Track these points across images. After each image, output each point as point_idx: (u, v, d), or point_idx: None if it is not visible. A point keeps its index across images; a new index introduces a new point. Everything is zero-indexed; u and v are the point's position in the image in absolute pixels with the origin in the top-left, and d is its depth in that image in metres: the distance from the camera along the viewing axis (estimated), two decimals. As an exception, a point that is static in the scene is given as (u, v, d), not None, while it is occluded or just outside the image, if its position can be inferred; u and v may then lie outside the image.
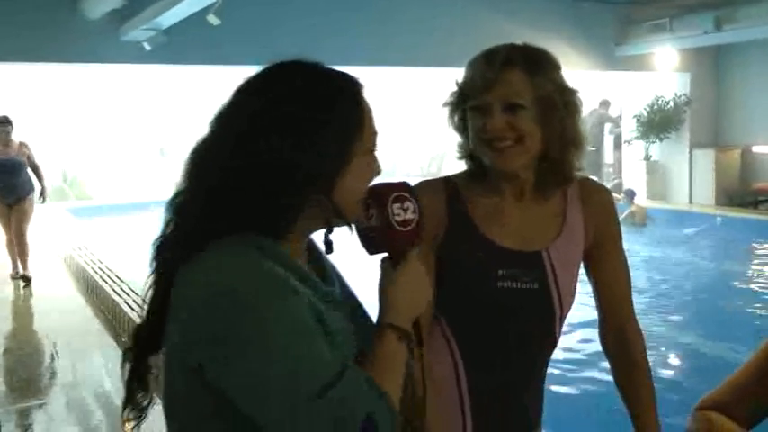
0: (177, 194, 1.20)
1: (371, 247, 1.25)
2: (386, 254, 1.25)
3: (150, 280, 1.22)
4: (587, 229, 1.70)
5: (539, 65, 1.58)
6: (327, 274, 1.29)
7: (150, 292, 1.21)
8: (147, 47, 7.83)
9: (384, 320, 1.21)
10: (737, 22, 9.85)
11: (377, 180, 1.24)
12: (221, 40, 6.86)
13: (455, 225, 1.63)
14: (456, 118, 1.65)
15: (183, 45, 7.75)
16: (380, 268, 1.25)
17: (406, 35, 9.11)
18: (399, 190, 1.23)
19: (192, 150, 1.20)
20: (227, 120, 1.19)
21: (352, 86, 1.22)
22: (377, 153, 1.25)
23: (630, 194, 11.38)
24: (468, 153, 1.66)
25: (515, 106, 1.54)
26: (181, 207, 1.19)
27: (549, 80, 1.58)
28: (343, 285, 1.33)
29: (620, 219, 1.91)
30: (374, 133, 1.23)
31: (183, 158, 1.21)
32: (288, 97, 1.16)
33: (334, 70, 1.23)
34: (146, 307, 1.22)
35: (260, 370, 1.05)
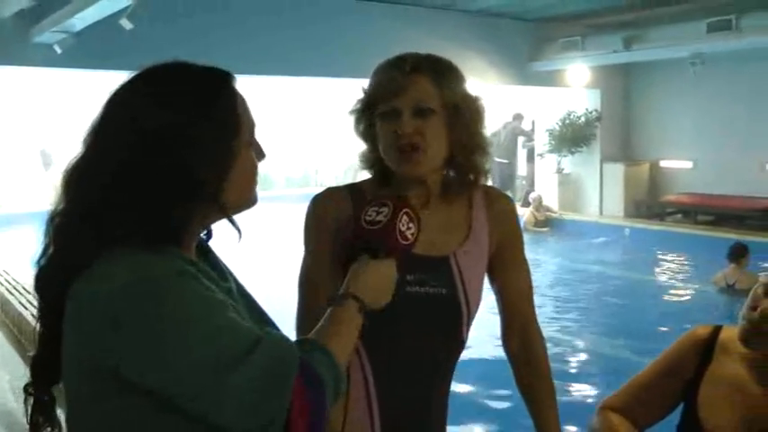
0: (56, 215, 1.17)
1: (361, 237, 1.38)
2: (366, 251, 1.37)
3: (39, 306, 1.19)
4: (492, 235, 1.74)
5: (444, 73, 1.63)
6: (221, 272, 1.29)
7: (41, 319, 1.18)
8: (58, 50, 7.61)
9: (349, 290, 1.28)
10: (646, 42, 10.25)
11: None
12: (134, 45, 6.69)
13: None
14: (362, 126, 1.67)
15: (96, 49, 7.55)
16: (359, 258, 1.36)
17: (321, 46, 9.10)
18: (413, 210, 1.42)
19: (70, 170, 1.17)
20: (106, 135, 1.16)
21: (225, 81, 1.22)
22: (259, 140, 1.26)
23: None
24: (373, 161, 1.68)
25: (426, 110, 1.58)
26: (62, 232, 1.16)
27: (455, 88, 1.63)
28: (236, 282, 1.33)
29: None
30: (252, 124, 1.24)
31: (61, 175, 1.18)
32: (166, 105, 1.15)
33: (204, 67, 1.22)
34: (38, 334, 1.19)
35: (181, 351, 1.05)
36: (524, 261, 1.82)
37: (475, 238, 1.71)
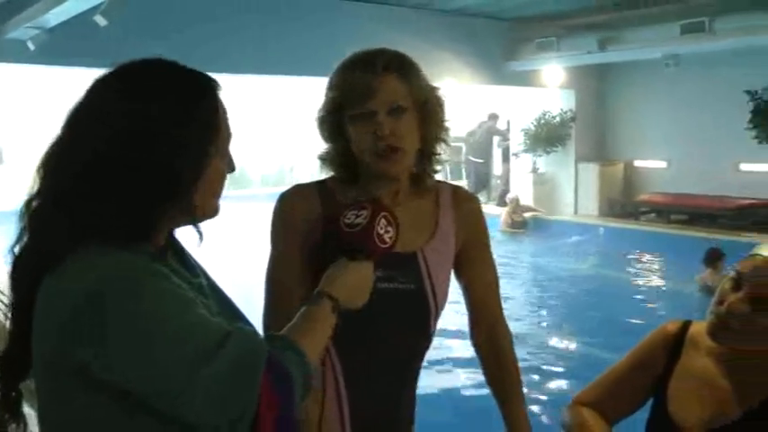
0: (29, 204, 1.16)
1: (340, 239, 1.39)
2: (344, 253, 1.38)
3: (10, 302, 1.18)
4: (458, 233, 1.76)
5: (410, 69, 1.63)
6: (192, 268, 1.29)
7: (12, 316, 1.17)
8: (31, 46, 7.52)
9: (324, 290, 1.29)
10: (620, 44, 10.33)
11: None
12: (109, 42, 6.64)
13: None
14: (328, 127, 1.65)
15: (69, 46, 7.47)
16: (337, 260, 1.37)
17: (297, 45, 9.07)
18: (391, 214, 1.43)
19: (46, 156, 1.16)
20: (81, 126, 1.16)
21: (211, 86, 1.22)
22: (231, 152, 1.26)
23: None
24: (341, 161, 1.67)
25: (400, 109, 1.57)
26: (36, 218, 1.15)
27: (421, 82, 1.63)
28: (207, 278, 1.33)
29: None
30: (229, 135, 1.24)
31: (35, 164, 1.17)
32: (150, 100, 1.15)
33: (191, 69, 1.22)
34: (9, 329, 1.18)
35: (160, 349, 1.05)
36: (491, 257, 1.84)
37: (442, 237, 1.72)
